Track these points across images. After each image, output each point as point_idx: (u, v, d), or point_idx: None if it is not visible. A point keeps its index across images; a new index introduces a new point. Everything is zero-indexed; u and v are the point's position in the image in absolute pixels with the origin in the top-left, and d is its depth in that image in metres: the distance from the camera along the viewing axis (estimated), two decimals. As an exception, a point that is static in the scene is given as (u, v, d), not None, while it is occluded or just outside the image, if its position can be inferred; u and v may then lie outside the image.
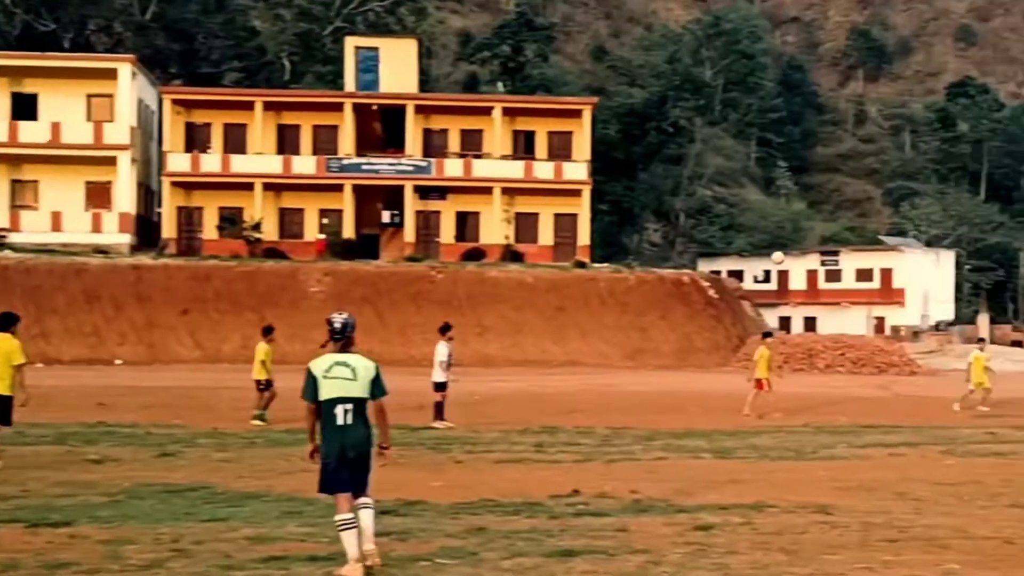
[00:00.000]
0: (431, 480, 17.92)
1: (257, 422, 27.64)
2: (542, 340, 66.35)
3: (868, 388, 46.83)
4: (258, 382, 28.50)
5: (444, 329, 28.96)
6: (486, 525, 13.86)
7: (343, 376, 11.09)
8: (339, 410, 11.08)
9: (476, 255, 74.18)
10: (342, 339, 11.25)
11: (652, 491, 16.92)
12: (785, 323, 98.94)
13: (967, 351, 74.08)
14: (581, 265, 73.31)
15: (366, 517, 11.30)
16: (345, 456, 11.11)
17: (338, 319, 11.31)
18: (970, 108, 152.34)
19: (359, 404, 11.17)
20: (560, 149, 78.29)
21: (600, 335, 67.62)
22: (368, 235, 76.43)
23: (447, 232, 77.07)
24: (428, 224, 77.05)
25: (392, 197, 76.59)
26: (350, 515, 11.13)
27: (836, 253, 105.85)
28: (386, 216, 77.06)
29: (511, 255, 74.38)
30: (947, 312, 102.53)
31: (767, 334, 36.72)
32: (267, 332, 29.59)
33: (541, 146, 78.54)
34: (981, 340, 39.98)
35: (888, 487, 17.67)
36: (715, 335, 70.11)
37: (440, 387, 28.07)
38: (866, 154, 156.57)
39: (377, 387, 11.20)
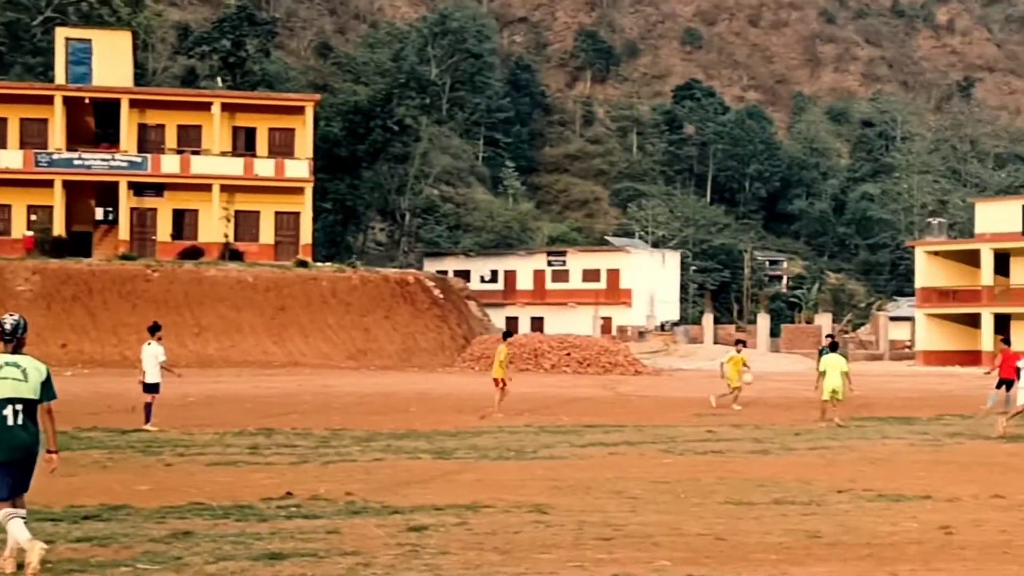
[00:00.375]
0: (138, 483, 17.33)
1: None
2: (262, 340, 65.29)
3: (593, 388, 47.28)
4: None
5: (153, 329, 28.05)
6: (193, 529, 13.38)
7: (13, 377, 10.89)
8: (8, 411, 10.85)
9: (194, 253, 72.60)
10: (13, 341, 11.09)
11: (367, 493, 16.64)
12: (512, 323, 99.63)
13: (691, 351, 76.34)
14: (303, 264, 72.45)
15: (16, 527, 10.82)
16: (13, 458, 10.86)
17: (9, 320, 11.13)
18: (696, 111, 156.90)
19: (29, 405, 10.96)
20: (282, 146, 77.20)
21: (322, 335, 66.92)
22: (80, 232, 73.99)
23: (163, 230, 75.17)
24: (144, 222, 74.98)
25: (105, 194, 74.33)
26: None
27: (563, 253, 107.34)
28: (99, 213, 74.86)
29: (230, 254, 73.05)
30: (673, 312, 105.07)
31: (507, 334, 36.80)
32: (-31, 333, 28.11)
33: (262, 143, 77.29)
34: (739, 342, 41.01)
35: (605, 486, 17.65)
36: (440, 335, 70.13)
37: (152, 388, 27.07)
38: (594, 155, 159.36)
39: (47, 390, 11.04)
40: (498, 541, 12.88)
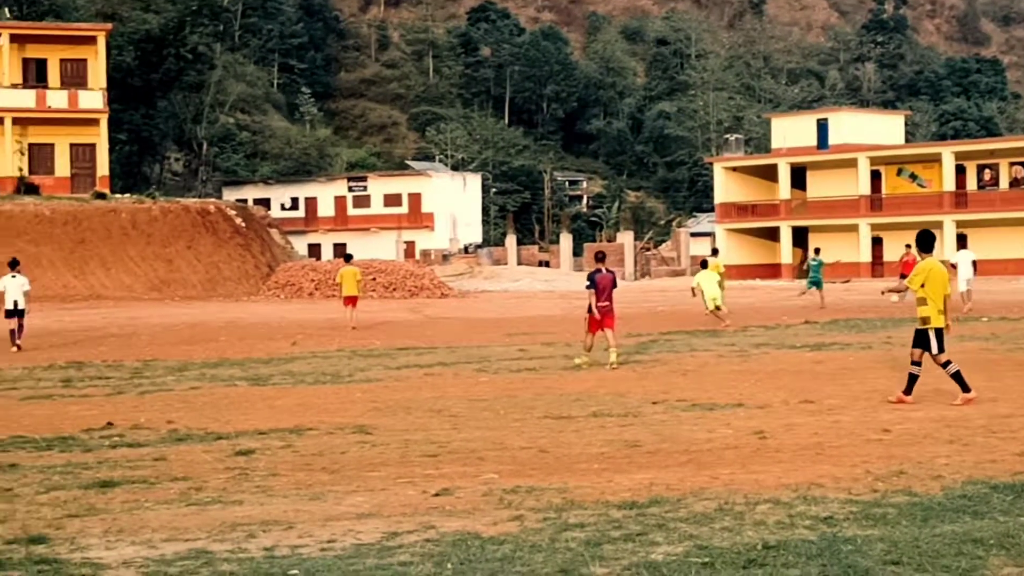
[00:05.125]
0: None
1: None
2: (63, 274, 63.78)
3: (401, 312, 47.44)
4: None
5: (13, 264, 32.52)
6: (18, 462, 13.33)
7: None
8: None
9: (-13, 188, 70.53)
10: None
11: (189, 420, 16.67)
12: (315, 250, 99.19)
13: (496, 272, 77.00)
14: (101, 196, 70.86)
15: None
16: None
17: None
18: (491, 33, 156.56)
19: None
20: (74, 77, 74.98)
21: (124, 267, 65.70)
22: None
23: (-43, 165, 72.79)
24: (-67, 157, 72.44)
25: None
26: None
27: (364, 179, 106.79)
28: None
29: (26, 188, 71.01)
30: (475, 235, 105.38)
31: (348, 257, 37.50)
32: None
33: (54, 74, 74.90)
34: (714, 251, 43.08)
35: (425, 405, 17.84)
36: (244, 264, 69.47)
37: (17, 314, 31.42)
38: (390, 79, 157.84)
39: None
40: (326, 461, 13.00)
